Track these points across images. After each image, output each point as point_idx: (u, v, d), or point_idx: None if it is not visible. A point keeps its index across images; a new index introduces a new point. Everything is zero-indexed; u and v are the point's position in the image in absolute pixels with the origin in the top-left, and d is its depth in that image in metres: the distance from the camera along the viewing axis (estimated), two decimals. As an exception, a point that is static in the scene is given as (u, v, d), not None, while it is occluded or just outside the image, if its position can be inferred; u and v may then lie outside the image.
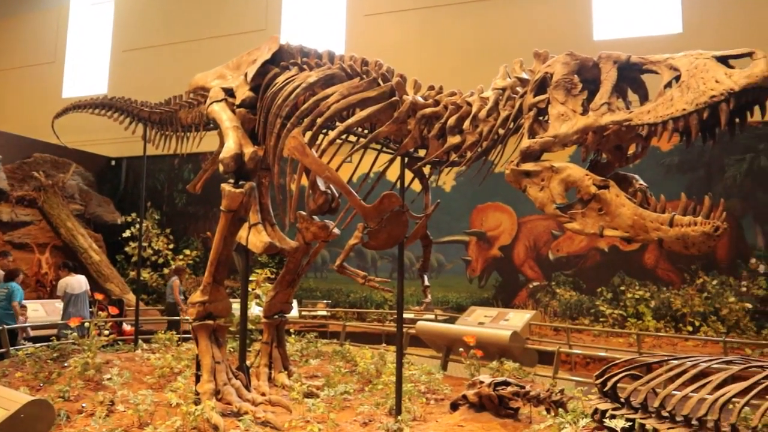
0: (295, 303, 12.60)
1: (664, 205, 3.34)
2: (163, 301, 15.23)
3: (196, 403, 4.85)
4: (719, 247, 12.31)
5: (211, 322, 5.11)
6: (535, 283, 13.42)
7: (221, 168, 5.10)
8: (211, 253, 5.15)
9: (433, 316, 11.90)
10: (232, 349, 7.60)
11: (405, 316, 12.20)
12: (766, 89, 3.04)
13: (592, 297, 12.89)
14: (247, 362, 5.82)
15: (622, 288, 12.67)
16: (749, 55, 3.11)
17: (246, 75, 5.58)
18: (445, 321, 11.18)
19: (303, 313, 13.43)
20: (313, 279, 15.15)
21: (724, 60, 3.20)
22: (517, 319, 9.82)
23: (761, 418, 3.38)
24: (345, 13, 16.01)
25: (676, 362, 4.15)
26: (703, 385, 3.71)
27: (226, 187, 5.02)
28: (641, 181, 3.67)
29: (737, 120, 3.18)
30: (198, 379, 5.06)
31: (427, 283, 5.32)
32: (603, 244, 12.87)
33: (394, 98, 4.59)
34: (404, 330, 9.43)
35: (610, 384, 4.21)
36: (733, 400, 3.55)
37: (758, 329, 11.51)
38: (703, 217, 3.17)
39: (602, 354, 8.71)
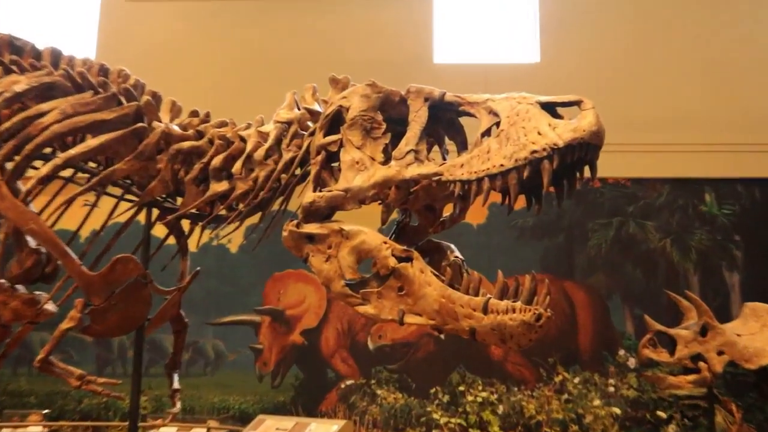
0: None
1: (479, 284, 3.46)
2: None
3: None
4: (581, 336, 13.40)
5: None
6: (348, 382, 13.64)
7: None
8: None
9: (204, 431, 11.66)
10: None
11: (166, 430, 11.85)
12: (595, 146, 3.30)
13: (423, 400, 13.35)
14: None
15: (462, 388, 13.26)
16: (577, 103, 3.39)
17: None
18: (221, 436, 11.01)
19: (5, 430, 12.50)
20: (25, 378, 14.18)
21: (550, 107, 3.46)
22: (321, 432, 9.91)
23: None
24: (100, -6, 15.71)
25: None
26: None
27: None
28: (457, 253, 3.90)
29: (565, 181, 3.46)
30: None
31: (176, 385, 5.25)
32: (439, 330, 13.44)
33: (140, 124, 4.58)
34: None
35: None
36: None
37: (628, 442, 12.56)
38: (523, 302, 3.31)
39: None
